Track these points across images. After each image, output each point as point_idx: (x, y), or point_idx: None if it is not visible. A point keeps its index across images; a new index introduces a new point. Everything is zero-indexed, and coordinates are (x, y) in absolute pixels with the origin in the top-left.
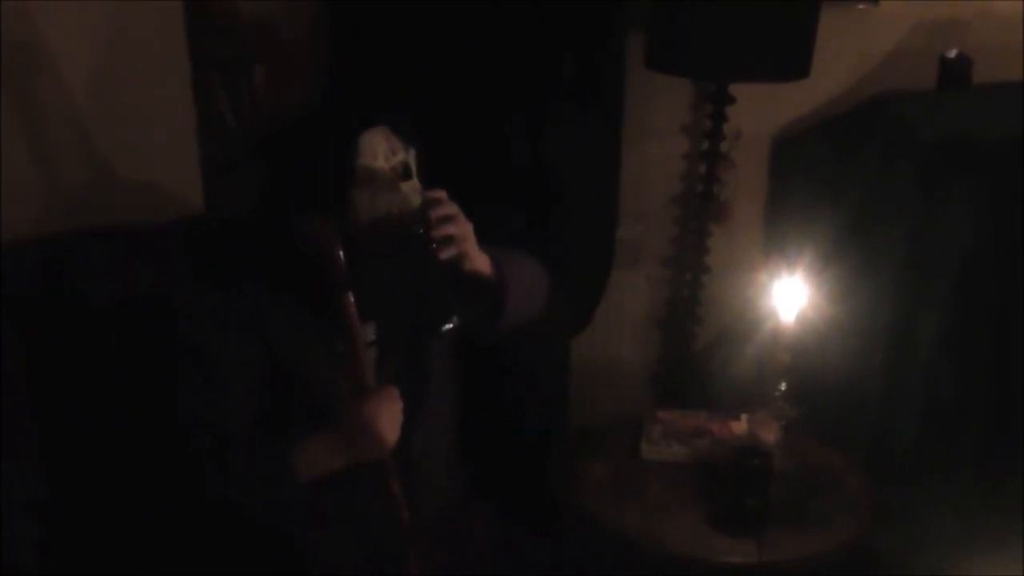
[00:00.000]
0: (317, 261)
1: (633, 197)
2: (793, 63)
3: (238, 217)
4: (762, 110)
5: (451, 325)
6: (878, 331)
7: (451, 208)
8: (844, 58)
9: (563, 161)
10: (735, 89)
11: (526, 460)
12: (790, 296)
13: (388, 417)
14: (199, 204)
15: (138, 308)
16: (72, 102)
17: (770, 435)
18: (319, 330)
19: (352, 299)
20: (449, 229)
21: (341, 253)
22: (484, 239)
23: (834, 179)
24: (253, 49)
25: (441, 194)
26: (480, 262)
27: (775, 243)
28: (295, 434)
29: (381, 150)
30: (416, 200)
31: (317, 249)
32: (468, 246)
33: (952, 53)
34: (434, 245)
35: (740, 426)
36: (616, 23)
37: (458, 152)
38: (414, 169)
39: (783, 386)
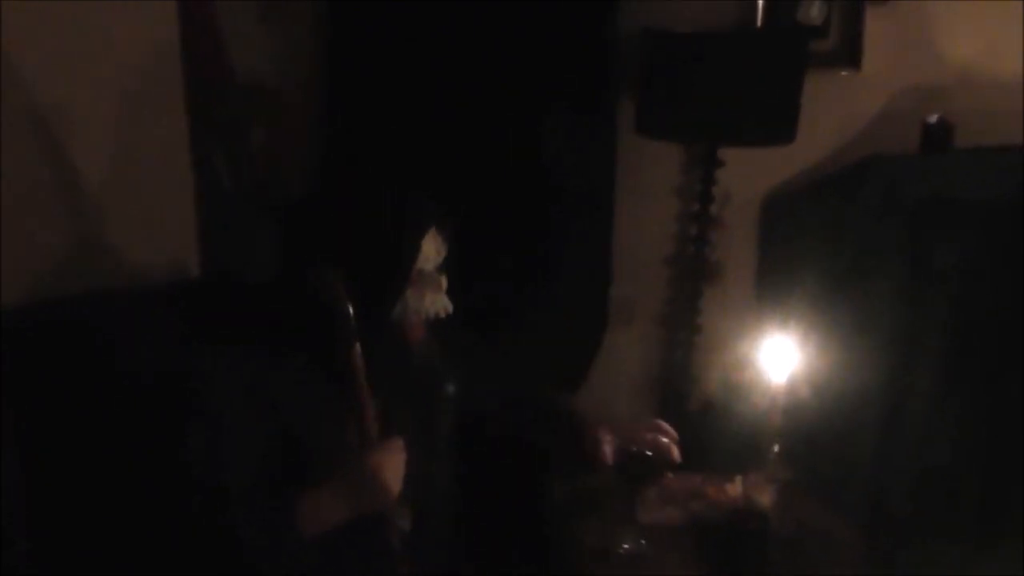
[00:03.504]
0: (326, 314)
1: (626, 258)
2: (779, 128)
3: (237, 278)
4: (751, 173)
5: None
6: (871, 391)
7: None
8: (829, 122)
9: (556, 220)
10: (724, 153)
11: (520, 524)
12: (782, 356)
13: (392, 468)
14: (194, 266)
15: (138, 369)
16: (70, 166)
17: (765, 497)
18: (324, 385)
19: (359, 350)
20: None
21: (351, 307)
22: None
23: (822, 240)
24: (251, 112)
25: None
26: None
27: (767, 303)
28: (299, 488)
29: (432, 252)
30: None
31: (328, 301)
32: None
33: (933, 118)
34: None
35: (735, 488)
36: (606, 86)
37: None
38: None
39: (776, 447)
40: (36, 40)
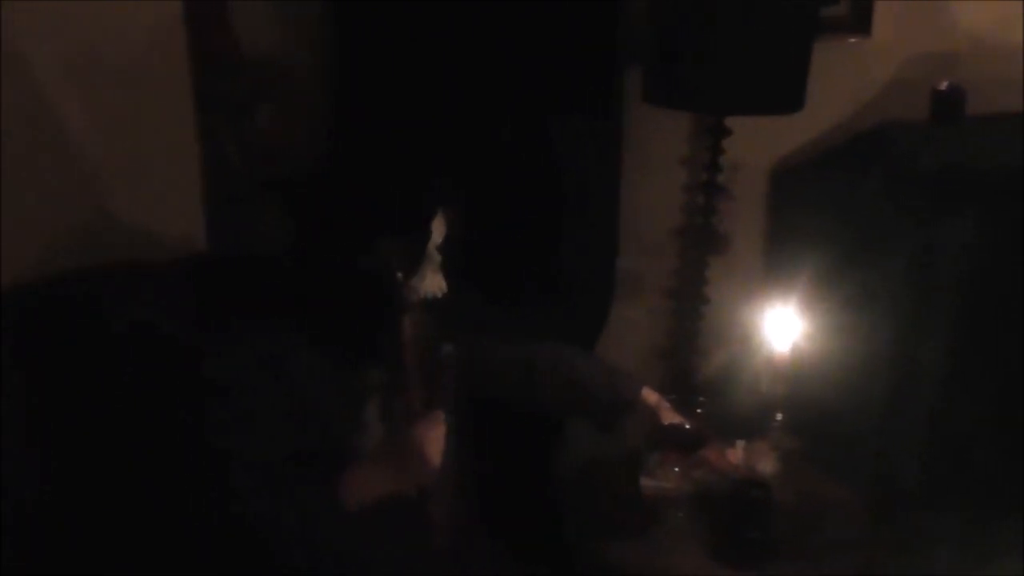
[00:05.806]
0: (373, 284)
1: (633, 229)
2: (787, 96)
3: (246, 254)
4: (759, 142)
5: None
6: (879, 362)
7: None
8: (838, 90)
9: (563, 192)
10: (732, 121)
11: (527, 496)
12: (787, 326)
13: (434, 442)
14: (202, 243)
15: (150, 346)
16: (74, 142)
17: (767, 465)
18: (352, 362)
19: (409, 322)
20: None
21: (401, 275)
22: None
23: (832, 210)
24: (259, 89)
25: None
26: None
27: (775, 274)
28: (336, 464)
29: (439, 234)
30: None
31: (376, 271)
32: None
33: (944, 85)
34: None
35: (736, 455)
36: (614, 56)
37: (463, 180)
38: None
39: (779, 416)
40: (38, 13)
